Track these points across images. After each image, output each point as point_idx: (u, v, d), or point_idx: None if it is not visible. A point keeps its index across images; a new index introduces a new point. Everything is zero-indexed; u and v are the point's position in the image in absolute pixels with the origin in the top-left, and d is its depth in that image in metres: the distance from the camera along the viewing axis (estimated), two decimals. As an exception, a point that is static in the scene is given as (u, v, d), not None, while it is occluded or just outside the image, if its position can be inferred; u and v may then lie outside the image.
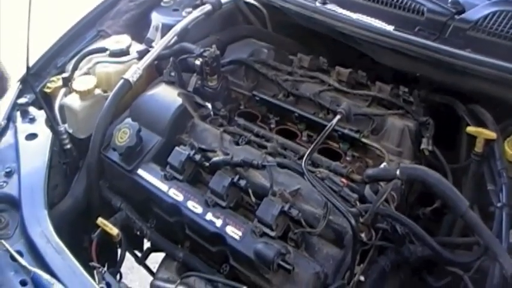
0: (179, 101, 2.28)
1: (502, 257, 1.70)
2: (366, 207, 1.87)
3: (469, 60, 2.15)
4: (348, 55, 2.55)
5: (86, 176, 2.33)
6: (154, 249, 2.32)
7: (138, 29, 2.80)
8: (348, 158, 2.25)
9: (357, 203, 1.92)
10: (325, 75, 2.48)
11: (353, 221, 1.73)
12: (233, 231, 1.92)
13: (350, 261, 1.81)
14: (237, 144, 2.21)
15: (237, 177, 1.99)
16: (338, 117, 2.04)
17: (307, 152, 1.90)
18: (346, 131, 2.23)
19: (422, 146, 2.19)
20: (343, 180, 1.99)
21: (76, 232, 2.31)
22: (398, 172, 1.83)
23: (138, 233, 2.23)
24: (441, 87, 2.36)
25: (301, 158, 2.11)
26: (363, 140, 2.23)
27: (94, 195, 2.32)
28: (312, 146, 1.93)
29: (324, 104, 2.37)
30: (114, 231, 2.07)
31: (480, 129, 2.13)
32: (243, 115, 2.49)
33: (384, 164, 2.09)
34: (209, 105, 2.38)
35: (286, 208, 1.86)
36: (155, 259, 2.32)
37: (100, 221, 2.11)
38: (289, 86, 2.46)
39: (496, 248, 1.72)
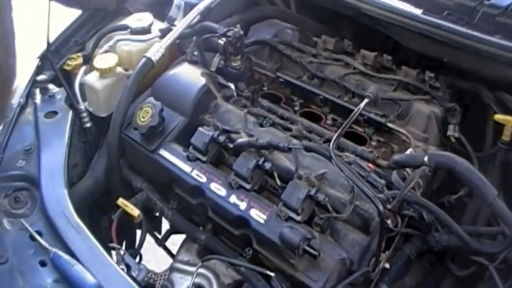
0: (202, 80, 2.18)
1: None
2: (393, 193, 1.78)
3: (497, 46, 2.04)
4: (373, 38, 2.44)
5: (106, 156, 2.23)
6: (175, 231, 2.21)
7: (160, 7, 2.69)
8: (373, 143, 2.16)
9: (384, 189, 1.82)
10: (350, 58, 2.37)
11: (381, 207, 1.65)
12: (258, 215, 1.83)
13: (376, 248, 1.73)
14: (262, 126, 2.11)
15: (262, 159, 1.89)
16: (366, 101, 1.93)
17: (335, 136, 1.79)
18: (372, 115, 2.14)
19: (449, 133, 2.09)
20: (370, 165, 1.90)
21: (95, 212, 2.23)
22: (426, 159, 1.74)
23: (159, 214, 2.14)
24: (468, 74, 2.25)
25: (327, 141, 2.03)
26: (389, 124, 2.13)
27: (114, 175, 2.23)
28: (340, 130, 1.82)
29: (349, 87, 2.27)
30: (135, 212, 1.98)
31: (508, 117, 2.02)
32: (266, 96, 2.38)
33: (410, 150, 1.99)
34: (232, 86, 2.28)
35: (312, 192, 1.77)
36: (174, 241, 2.24)
37: (121, 201, 2.02)
38: (313, 68, 2.36)
39: None
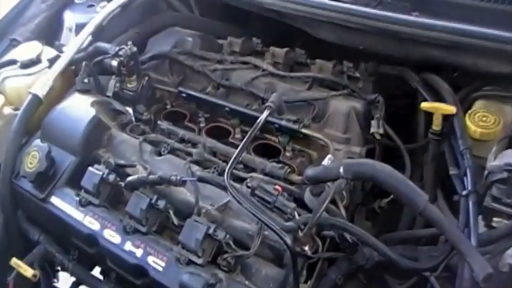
0: (91, 112, 1.87)
1: (471, 257, 1.32)
2: (305, 218, 1.49)
3: (416, 25, 1.76)
4: (284, 33, 2.14)
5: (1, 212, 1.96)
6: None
7: (52, 32, 2.37)
8: (287, 154, 1.86)
9: (295, 213, 1.52)
10: (259, 59, 2.06)
11: (288, 241, 1.38)
12: (155, 262, 1.56)
13: (293, 281, 1.46)
14: (159, 154, 1.82)
15: (155, 197, 1.61)
16: (266, 113, 1.64)
17: (229, 163, 1.50)
18: (283, 123, 1.82)
19: (372, 130, 1.79)
20: (277, 187, 1.58)
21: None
22: (341, 170, 1.45)
23: (60, 267, 1.86)
24: (389, 59, 1.95)
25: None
26: (303, 130, 1.83)
27: (12, 230, 1.95)
28: (235, 154, 1.53)
29: (257, 93, 1.96)
30: (29, 272, 1.70)
31: (436, 104, 1.74)
32: (169, 116, 2.08)
33: (329, 157, 1.70)
34: (130, 110, 1.99)
35: (211, 230, 1.49)
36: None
37: (14, 261, 1.74)
38: (218, 76, 2.05)
39: (464, 248, 1.34)
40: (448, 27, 1.71)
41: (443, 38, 1.72)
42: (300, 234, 1.46)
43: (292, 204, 1.54)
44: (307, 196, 1.57)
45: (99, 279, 1.82)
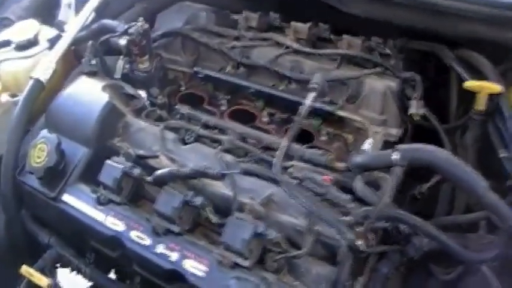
0: (104, 97, 1.64)
1: None
2: (364, 211, 1.31)
3: None
4: (303, 7, 1.93)
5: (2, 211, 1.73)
6: (98, 287, 1.73)
7: (47, 9, 2.12)
8: (322, 138, 1.67)
9: (350, 206, 1.35)
10: (280, 35, 1.85)
11: (351, 237, 1.24)
12: (194, 266, 1.36)
13: (347, 279, 1.29)
14: (184, 142, 1.61)
15: (190, 194, 1.40)
16: (312, 94, 1.45)
17: (278, 153, 1.31)
18: (317, 104, 1.60)
19: (412, 111, 1.61)
20: (327, 177, 1.41)
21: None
22: (397, 156, 1.29)
23: (76, 272, 1.64)
24: (421, 34, 1.77)
25: (267, 149, 1.58)
26: (339, 112, 1.65)
27: (16, 231, 1.72)
28: (284, 142, 1.34)
29: (283, 72, 1.76)
30: (44, 281, 1.47)
31: (482, 83, 1.57)
32: (185, 99, 1.87)
33: (370, 141, 1.53)
34: (143, 94, 1.77)
35: (260, 230, 1.30)
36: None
37: (25, 269, 1.50)
38: (237, 54, 1.83)
39: None
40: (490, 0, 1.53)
41: (483, 12, 1.54)
42: (358, 229, 1.29)
43: (347, 196, 1.37)
44: (360, 186, 1.39)
45: (122, 284, 1.62)
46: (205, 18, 1.95)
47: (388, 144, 1.64)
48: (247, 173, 1.38)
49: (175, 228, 1.41)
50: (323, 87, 1.46)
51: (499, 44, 1.62)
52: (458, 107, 1.73)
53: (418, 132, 1.72)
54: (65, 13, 2.05)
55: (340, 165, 1.51)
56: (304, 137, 1.64)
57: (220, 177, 1.40)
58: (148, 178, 1.47)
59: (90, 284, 1.70)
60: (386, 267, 1.40)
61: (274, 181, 1.31)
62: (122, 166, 1.48)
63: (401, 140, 1.67)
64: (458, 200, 1.64)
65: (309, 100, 1.43)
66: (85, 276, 1.62)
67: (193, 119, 1.72)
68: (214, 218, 1.39)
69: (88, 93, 1.68)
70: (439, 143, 1.67)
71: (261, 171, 1.35)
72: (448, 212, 1.64)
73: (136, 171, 1.47)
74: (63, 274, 1.71)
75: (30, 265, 1.51)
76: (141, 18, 1.74)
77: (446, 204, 1.65)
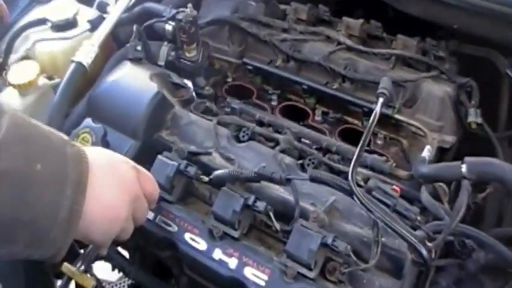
0: (153, 87, 1.51)
1: None
2: (435, 226, 1.24)
3: None
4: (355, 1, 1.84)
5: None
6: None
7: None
8: (378, 142, 1.59)
9: (419, 218, 1.26)
10: (332, 30, 1.75)
11: (425, 253, 1.15)
12: (255, 274, 1.26)
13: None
14: (238, 140, 1.51)
15: (252, 198, 1.30)
16: (381, 100, 1.35)
17: (353, 162, 1.21)
18: (374, 106, 1.52)
19: (470, 119, 1.55)
20: (396, 187, 1.32)
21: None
22: (464, 170, 1.21)
23: (118, 271, 1.54)
24: (476, 40, 1.69)
25: (327, 152, 1.50)
26: (397, 116, 1.56)
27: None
28: (356, 156, 1.23)
29: (337, 70, 1.66)
30: (88, 281, 1.36)
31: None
32: (232, 91, 1.76)
33: (428, 147, 1.44)
34: (190, 84, 1.65)
35: (329, 241, 1.21)
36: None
37: (66, 267, 1.39)
38: (288, 47, 1.73)
39: None
40: None
41: None
42: (430, 245, 1.20)
43: (416, 209, 1.28)
44: (428, 198, 1.31)
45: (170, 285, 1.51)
46: (254, 7, 1.83)
47: (441, 151, 1.57)
48: (315, 179, 1.28)
49: (234, 233, 1.31)
50: (391, 92, 1.37)
51: None
52: (508, 116, 1.66)
53: (467, 139, 1.66)
54: (106, -7, 1.90)
55: (403, 173, 1.44)
56: (355, 139, 1.56)
57: (285, 182, 1.30)
58: (205, 178, 1.37)
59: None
60: (446, 281, 1.30)
61: (346, 191, 1.22)
62: (176, 163, 1.37)
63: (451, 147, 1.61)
64: (508, 212, 1.56)
65: (378, 107, 1.33)
66: (128, 276, 1.51)
67: (246, 114, 1.62)
68: (277, 225, 1.30)
69: (135, 82, 1.55)
70: (489, 152, 1.61)
71: (332, 180, 1.26)
72: (497, 224, 1.57)
73: (192, 170, 1.36)
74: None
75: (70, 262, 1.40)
76: (189, 4, 1.63)
77: (495, 216, 1.57)
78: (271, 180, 1.30)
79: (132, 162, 1.24)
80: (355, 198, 1.18)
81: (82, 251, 1.38)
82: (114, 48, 1.76)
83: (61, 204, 0.99)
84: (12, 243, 0.98)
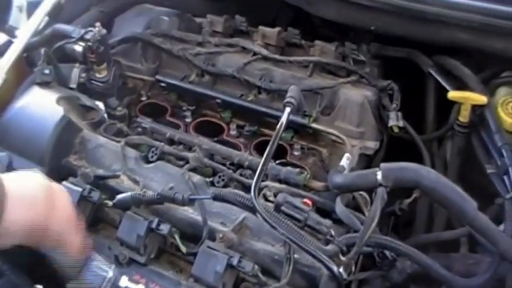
0: (60, 111, 1.44)
1: None
2: (347, 239, 1.16)
3: (443, 4, 1.42)
4: (269, 9, 1.78)
5: None
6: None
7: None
8: (295, 153, 1.52)
9: (331, 231, 1.19)
10: (248, 40, 1.69)
11: (336, 270, 1.09)
12: (162, 301, 1.18)
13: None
14: (147, 160, 1.43)
15: (155, 220, 1.22)
16: (288, 110, 1.27)
17: (256, 177, 1.14)
18: (290, 117, 1.46)
19: (392, 123, 1.49)
20: (307, 201, 1.24)
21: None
22: (380, 177, 1.13)
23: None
24: (394, 40, 1.64)
25: (239, 167, 1.42)
26: (313, 125, 1.50)
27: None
28: (259, 170, 1.16)
29: (252, 81, 1.60)
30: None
31: (467, 94, 1.45)
32: (146, 110, 1.68)
33: (347, 155, 1.37)
34: (101, 105, 1.57)
35: (235, 262, 1.14)
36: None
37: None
38: (202, 61, 1.66)
39: None
40: (478, 7, 1.40)
41: (472, 19, 1.41)
42: (343, 258, 1.13)
43: (328, 222, 1.21)
44: (342, 210, 1.25)
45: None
46: (167, 22, 1.76)
47: (363, 158, 1.51)
48: (218, 198, 1.21)
49: (139, 258, 1.23)
50: (300, 101, 1.30)
51: (479, 52, 1.51)
52: (436, 119, 1.62)
53: (393, 142, 1.60)
54: (15, 17, 1.82)
55: (319, 184, 1.37)
56: (277, 152, 1.49)
57: (189, 202, 1.22)
58: (109, 203, 1.29)
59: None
60: (369, 295, 1.27)
61: (250, 209, 1.15)
62: (80, 189, 1.29)
63: (376, 152, 1.54)
64: (438, 215, 1.53)
65: (285, 117, 1.26)
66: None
67: (157, 133, 1.54)
68: (183, 248, 1.22)
69: (41, 106, 1.47)
70: (415, 154, 1.56)
71: (234, 197, 1.18)
72: (427, 227, 1.54)
73: (96, 195, 1.28)
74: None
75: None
76: (98, 23, 1.56)
77: (425, 220, 1.55)
78: (173, 201, 1.23)
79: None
80: (258, 215, 1.11)
81: None
82: (28, 73, 1.67)
83: None
84: None
